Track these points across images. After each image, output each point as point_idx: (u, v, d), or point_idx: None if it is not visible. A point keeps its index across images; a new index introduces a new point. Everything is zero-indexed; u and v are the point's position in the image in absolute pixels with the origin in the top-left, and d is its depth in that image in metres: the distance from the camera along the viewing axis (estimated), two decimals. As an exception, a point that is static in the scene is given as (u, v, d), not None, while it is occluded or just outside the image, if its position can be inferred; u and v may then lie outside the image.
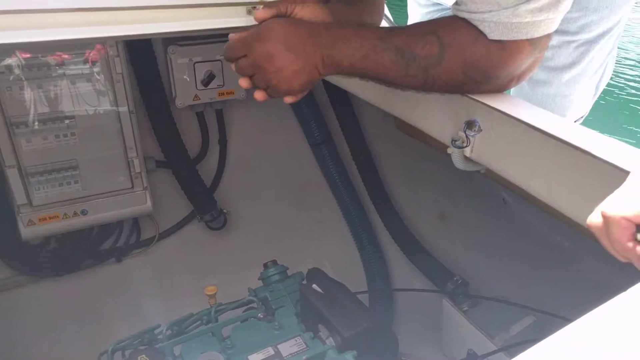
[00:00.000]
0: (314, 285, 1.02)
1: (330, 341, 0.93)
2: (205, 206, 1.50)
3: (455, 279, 1.42)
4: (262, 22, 0.76)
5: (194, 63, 1.31)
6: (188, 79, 1.32)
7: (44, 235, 1.32)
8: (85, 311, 1.40)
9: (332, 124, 1.54)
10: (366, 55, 0.73)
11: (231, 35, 0.77)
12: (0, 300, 1.33)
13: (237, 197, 1.55)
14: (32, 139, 1.20)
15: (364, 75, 0.76)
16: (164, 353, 0.90)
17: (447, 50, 0.71)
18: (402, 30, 0.74)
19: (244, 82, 0.77)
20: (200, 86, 1.33)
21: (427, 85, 0.74)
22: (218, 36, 1.30)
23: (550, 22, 0.70)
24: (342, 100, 1.49)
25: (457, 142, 0.78)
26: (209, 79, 1.33)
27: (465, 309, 1.29)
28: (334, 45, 0.73)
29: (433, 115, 0.84)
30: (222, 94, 1.37)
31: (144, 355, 0.87)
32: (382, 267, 1.59)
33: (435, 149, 1.15)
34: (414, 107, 0.87)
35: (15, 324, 1.35)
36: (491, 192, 1.34)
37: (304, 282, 1.09)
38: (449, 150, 0.81)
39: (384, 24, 1.05)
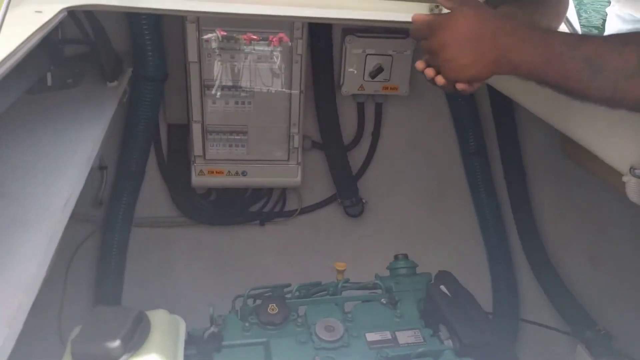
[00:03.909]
0: (442, 287, 1.01)
1: (448, 343, 0.92)
2: (348, 192, 1.57)
3: (597, 328, 1.29)
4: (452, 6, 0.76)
5: (366, 55, 1.38)
6: (356, 72, 1.40)
7: (209, 187, 1.51)
8: (226, 260, 1.57)
9: (489, 134, 1.50)
10: (549, 61, 0.71)
11: (415, 16, 0.79)
12: (162, 234, 1.56)
13: (378, 190, 1.60)
14: (217, 102, 1.38)
15: (541, 82, 0.74)
16: (290, 309, 0.98)
17: None
18: (594, 39, 0.70)
19: (420, 64, 0.80)
20: (367, 77, 1.40)
21: (615, 100, 0.70)
22: (394, 31, 1.35)
23: None
24: (505, 111, 1.44)
25: (636, 171, 0.72)
26: (377, 71, 1.39)
27: (601, 361, 1.17)
28: (514, 49, 0.72)
29: (612, 137, 0.78)
30: (386, 88, 1.42)
31: (274, 305, 0.95)
32: (512, 292, 1.51)
33: (601, 179, 1.06)
34: (590, 126, 0.82)
35: (169, 256, 1.57)
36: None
37: (431, 282, 1.09)
38: (625, 179, 0.74)
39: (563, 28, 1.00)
